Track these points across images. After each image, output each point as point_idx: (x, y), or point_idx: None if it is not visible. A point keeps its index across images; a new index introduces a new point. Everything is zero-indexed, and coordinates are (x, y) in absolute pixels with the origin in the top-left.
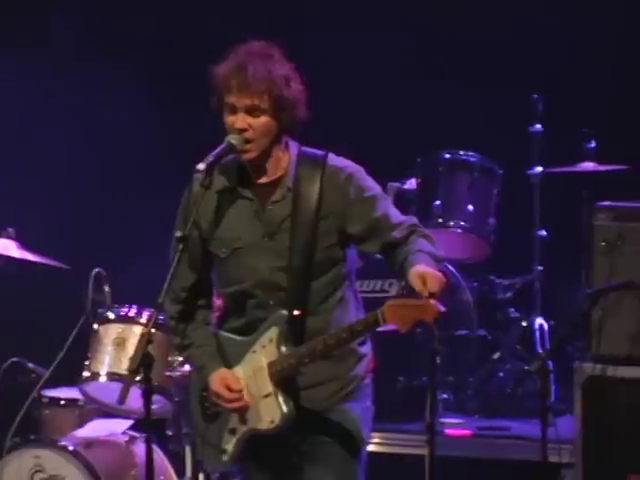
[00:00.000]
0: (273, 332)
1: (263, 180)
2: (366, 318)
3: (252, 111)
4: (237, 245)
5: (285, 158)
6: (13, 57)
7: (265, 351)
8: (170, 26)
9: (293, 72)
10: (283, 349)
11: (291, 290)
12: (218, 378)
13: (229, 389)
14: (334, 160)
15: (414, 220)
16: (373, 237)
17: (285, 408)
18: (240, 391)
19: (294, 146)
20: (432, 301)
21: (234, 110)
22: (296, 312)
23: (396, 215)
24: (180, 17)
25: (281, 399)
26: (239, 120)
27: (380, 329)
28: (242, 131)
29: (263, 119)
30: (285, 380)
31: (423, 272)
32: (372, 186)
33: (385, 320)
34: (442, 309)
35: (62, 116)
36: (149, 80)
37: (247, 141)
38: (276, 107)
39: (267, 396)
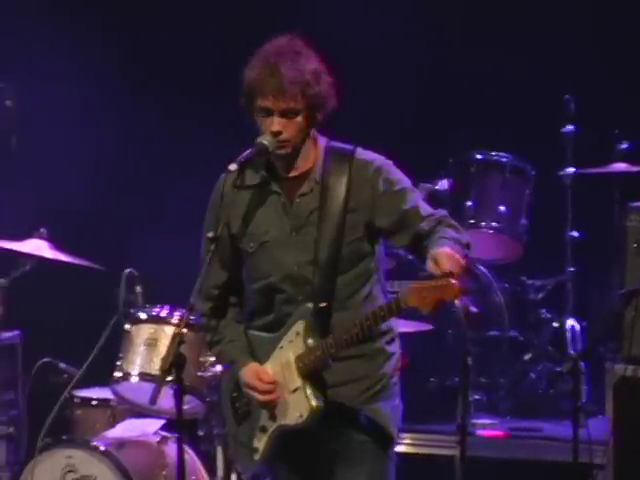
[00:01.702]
0: (299, 326)
1: (291, 174)
2: (389, 303)
3: (287, 113)
4: (264, 239)
5: (314, 151)
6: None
7: (292, 345)
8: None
9: (321, 63)
10: (310, 342)
11: (318, 284)
12: (250, 371)
13: (261, 381)
14: (362, 153)
15: (444, 212)
16: (402, 230)
17: (314, 402)
18: (272, 382)
19: (322, 140)
20: (452, 280)
21: (269, 113)
22: (322, 304)
23: (426, 208)
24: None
25: (309, 393)
26: (275, 123)
27: (413, 330)
28: (277, 134)
29: (298, 119)
30: (313, 374)
31: (435, 253)
32: (401, 179)
33: (407, 303)
34: (460, 286)
35: (95, 116)
36: (179, 80)
37: (282, 141)
38: (310, 106)
39: (295, 391)
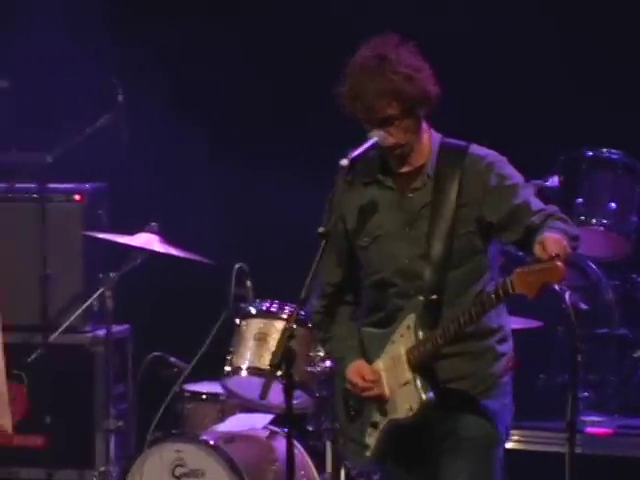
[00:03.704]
0: (410, 319)
1: (405, 169)
2: (496, 289)
3: (385, 122)
4: (378, 233)
5: (427, 146)
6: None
7: (404, 339)
8: None
9: (412, 59)
10: (420, 334)
11: (429, 277)
12: (354, 368)
13: (363, 379)
14: (476, 149)
15: (555, 208)
16: (513, 225)
17: (424, 395)
18: (374, 381)
19: (436, 135)
20: (558, 263)
21: (369, 123)
22: (433, 297)
23: (537, 203)
24: None
25: (419, 385)
26: (377, 131)
27: (522, 326)
28: (385, 139)
29: (397, 122)
30: (424, 368)
31: (542, 239)
32: (513, 174)
33: (514, 288)
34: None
35: (205, 111)
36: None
37: (391, 146)
38: (407, 108)
39: (406, 384)
